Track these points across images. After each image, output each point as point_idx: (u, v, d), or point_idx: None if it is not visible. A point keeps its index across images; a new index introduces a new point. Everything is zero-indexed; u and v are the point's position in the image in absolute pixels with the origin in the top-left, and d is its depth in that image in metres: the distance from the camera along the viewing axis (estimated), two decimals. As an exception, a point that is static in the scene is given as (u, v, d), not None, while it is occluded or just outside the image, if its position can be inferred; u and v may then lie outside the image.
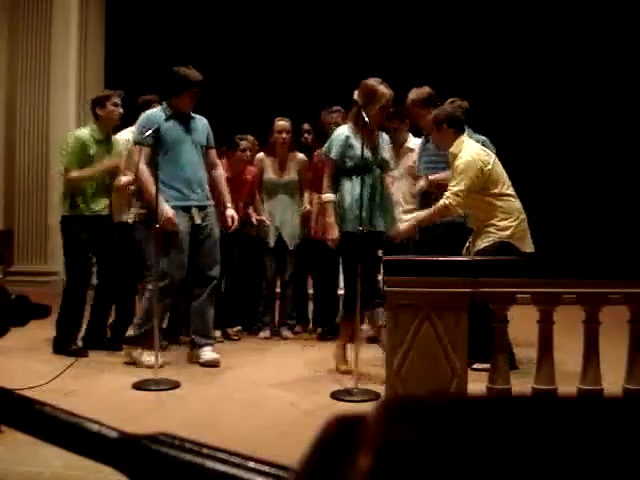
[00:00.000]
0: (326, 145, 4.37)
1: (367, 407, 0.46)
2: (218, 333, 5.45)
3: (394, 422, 0.45)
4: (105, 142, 4.92)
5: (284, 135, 5.62)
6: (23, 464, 2.67)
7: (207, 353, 4.51)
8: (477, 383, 3.43)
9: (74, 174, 4.83)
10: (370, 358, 4.51)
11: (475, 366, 4.06)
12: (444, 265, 3.23)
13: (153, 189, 4.27)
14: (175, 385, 3.99)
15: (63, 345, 4.77)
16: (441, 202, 4.15)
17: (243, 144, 5.53)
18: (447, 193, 4.11)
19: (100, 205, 4.88)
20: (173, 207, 4.40)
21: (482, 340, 3.71)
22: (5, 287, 1.19)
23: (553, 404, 0.48)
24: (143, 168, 4.40)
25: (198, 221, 4.51)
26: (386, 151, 4.48)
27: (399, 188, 5.46)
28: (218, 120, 6.24)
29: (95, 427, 0.98)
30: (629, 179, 8.32)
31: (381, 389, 3.48)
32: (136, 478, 0.91)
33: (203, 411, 3.54)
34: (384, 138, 4.48)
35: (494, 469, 0.40)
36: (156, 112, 4.56)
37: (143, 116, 4.61)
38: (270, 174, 5.68)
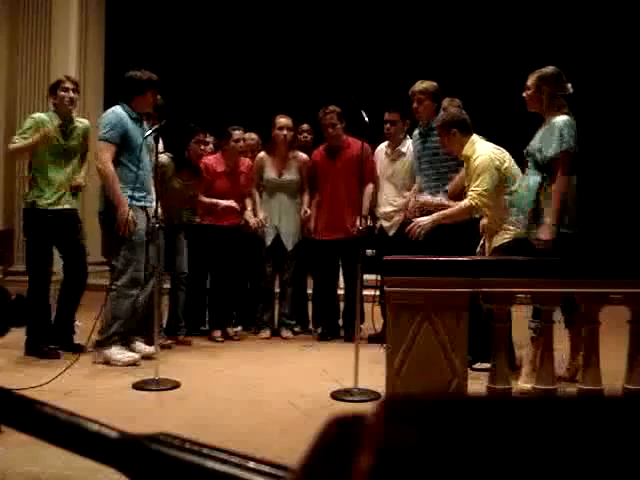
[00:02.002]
0: (565, 137, 3.85)
1: (367, 407, 0.46)
2: (218, 333, 5.46)
3: (394, 422, 0.45)
4: (61, 129, 4.82)
5: (285, 132, 5.58)
6: (23, 464, 2.67)
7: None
8: (477, 383, 3.44)
9: (13, 146, 4.77)
10: (371, 358, 4.51)
11: (475, 366, 4.07)
12: (444, 265, 3.23)
13: (119, 189, 4.44)
14: (175, 385, 3.99)
15: (34, 346, 4.67)
16: (466, 202, 4.09)
17: (236, 134, 5.49)
18: (472, 194, 4.06)
19: (64, 202, 4.82)
20: (135, 207, 4.49)
21: (482, 340, 3.71)
22: (5, 287, 1.19)
23: (553, 404, 0.48)
24: (111, 166, 4.47)
25: (151, 221, 4.61)
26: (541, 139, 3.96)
27: (384, 189, 5.47)
28: (219, 119, 6.26)
29: (95, 427, 0.98)
30: (628, 179, 8.32)
31: (381, 389, 3.47)
32: (136, 478, 0.91)
33: (203, 411, 3.53)
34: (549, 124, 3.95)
35: (494, 469, 0.40)
36: (122, 111, 4.60)
37: (112, 114, 4.60)
38: (270, 173, 5.66)
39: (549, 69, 4.04)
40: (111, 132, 4.50)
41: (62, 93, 4.82)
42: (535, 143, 3.96)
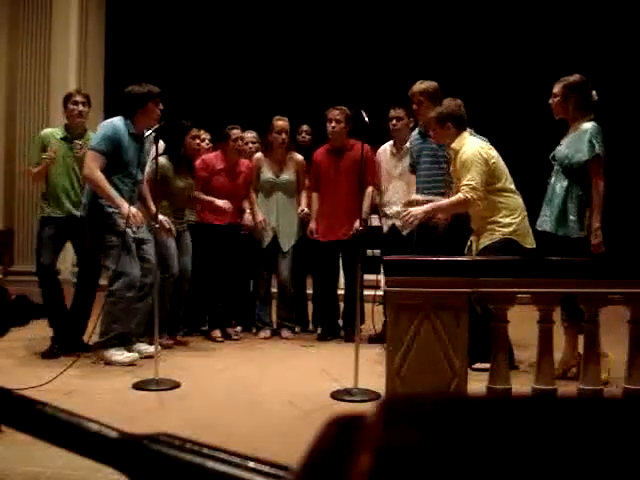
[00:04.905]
0: (595, 143, 3.99)
1: (367, 407, 0.46)
2: (218, 333, 5.46)
3: (394, 422, 0.45)
4: (69, 141, 4.90)
5: (283, 135, 5.60)
6: (23, 464, 2.67)
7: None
8: (477, 383, 3.44)
9: (32, 170, 4.92)
10: (371, 358, 4.51)
11: (475, 366, 4.07)
12: (444, 265, 3.23)
13: (114, 192, 4.44)
14: (175, 385, 3.99)
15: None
16: (460, 195, 4.10)
17: (234, 133, 5.50)
18: (465, 188, 4.06)
19: (73, 210, 4.85)
20: (114, 213, 4.48)
21: (482, 340, 3.71)
22: (5, 287, 1.19)
23: (553, 404, 0.48)
24: (99, 172, 4.46)
25: (134, 228, 4.61)
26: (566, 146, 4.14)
27: (395, 187, 5.44)
28: (219, 118, 6.26)
29: (95, 427, 0.98)
30: (628, 179, 8.33)
31: (381, 389, 3.47)
32: (136, 478, 0.91)
33: (203, 411, 3.53)
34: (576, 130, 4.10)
35: (494, 469, 0.40)
36: (121, 125, 4.59)
37: (109, 126, 4.60)
38: (267, 174, 5.66)
39: (575, 77, 4.16)
40: (103, 143, 4.50)
41: (71, 106, 4.91)
42: (563, 149, 4.11)
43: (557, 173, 4.14)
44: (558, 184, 4.10)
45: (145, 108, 4.61)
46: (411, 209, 4.25)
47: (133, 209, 4.45)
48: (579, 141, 4.02)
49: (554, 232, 4.07)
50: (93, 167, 4.46)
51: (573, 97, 4.10)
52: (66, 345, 4.82)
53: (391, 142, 5.55)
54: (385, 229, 5.55)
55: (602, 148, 4.00)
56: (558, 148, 4.18)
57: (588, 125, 4.03)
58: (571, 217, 4.03)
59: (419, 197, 4.62)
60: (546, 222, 4.14)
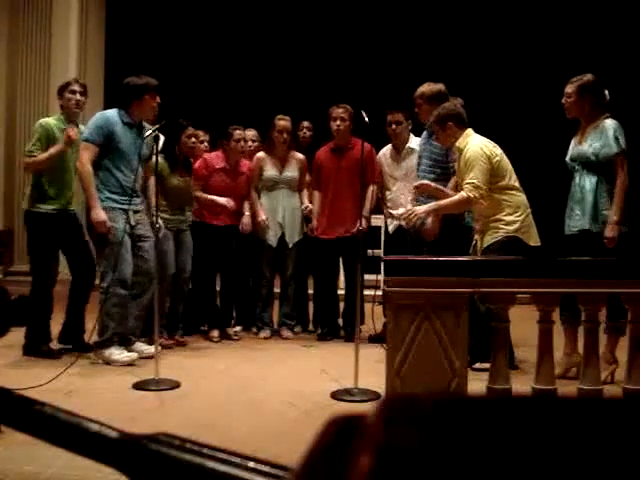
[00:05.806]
0: (620, 139, 4.06)
1: (367, 407, 0.46)
2: (216, 333, 5.46)
3: (394, 422, 0.45)
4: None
5: (285, 135, 5.62)
6: (23, 464, 2.67)
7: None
8: (477, 383, 3.44)
9: (31, 159, 4.75)
10: (371, 358, 4.51)
11: (475, 366, 4.07)
12: (444, 265, 3.23)
13: (94, 190, 4.46)
14: (175, 385, 3.99)
15: (33, 347, 4.67)
16: (462, 194, 4.08)
17: (237, 134, 5.52)
18: (467, 186, 4.05)
19: (66, 204, 4.82)
20: (112, 208, 4.49)
21: (482, 340, 3.71)
22: (5, 287, 1.19)
23: (553, 404, 0.48)
24: (90, 167, 4.48)
25: (133, 223, 4.63)
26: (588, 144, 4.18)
27: (400, 189, 5.44)
28: (219, 116, 6.26)
29: (95, 427, 0.98)
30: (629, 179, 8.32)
31: (381, 389, 3.47)
32: (136, 478, 0.91)
33: (203, 411, 3.54)
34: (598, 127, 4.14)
35: (494, 469, 0.40)
36: (113, 115, 4.61)
37: (100, 116, 4.65)
38: (270, 171, 5.67)
39: (589, 77, 4.20)
40: (94, 133, 4.52)
41: (69, 95, 4.85)
42: (585, 147, 4.13)
43: (581, 172, 4.14)
44: (586, 181, 4.10)
45: (141, 100, 4.63)
46: (415, 207, 4.26)
47: (103, 216, 4.42)
48: (603, 137, 4.06)
49: (589, 229, 4.07)
50: (85, 160, 4.48)
51: (588, 97, 4.14)
52: (67, 344, 4.82)
53: (389, 146, 5.56)
54: (391, 229, 5.55)
55: (625, 144, 4.05)
56: (578, 148, 4.18)
57: (610, 122, 4.09)
58: (604, 212, 4.05)
59: (429, 183, 4.55)
60: (579, 221, 4.12)
